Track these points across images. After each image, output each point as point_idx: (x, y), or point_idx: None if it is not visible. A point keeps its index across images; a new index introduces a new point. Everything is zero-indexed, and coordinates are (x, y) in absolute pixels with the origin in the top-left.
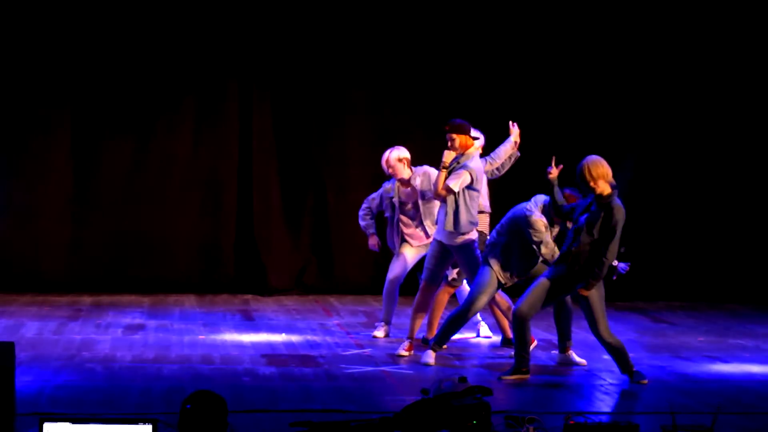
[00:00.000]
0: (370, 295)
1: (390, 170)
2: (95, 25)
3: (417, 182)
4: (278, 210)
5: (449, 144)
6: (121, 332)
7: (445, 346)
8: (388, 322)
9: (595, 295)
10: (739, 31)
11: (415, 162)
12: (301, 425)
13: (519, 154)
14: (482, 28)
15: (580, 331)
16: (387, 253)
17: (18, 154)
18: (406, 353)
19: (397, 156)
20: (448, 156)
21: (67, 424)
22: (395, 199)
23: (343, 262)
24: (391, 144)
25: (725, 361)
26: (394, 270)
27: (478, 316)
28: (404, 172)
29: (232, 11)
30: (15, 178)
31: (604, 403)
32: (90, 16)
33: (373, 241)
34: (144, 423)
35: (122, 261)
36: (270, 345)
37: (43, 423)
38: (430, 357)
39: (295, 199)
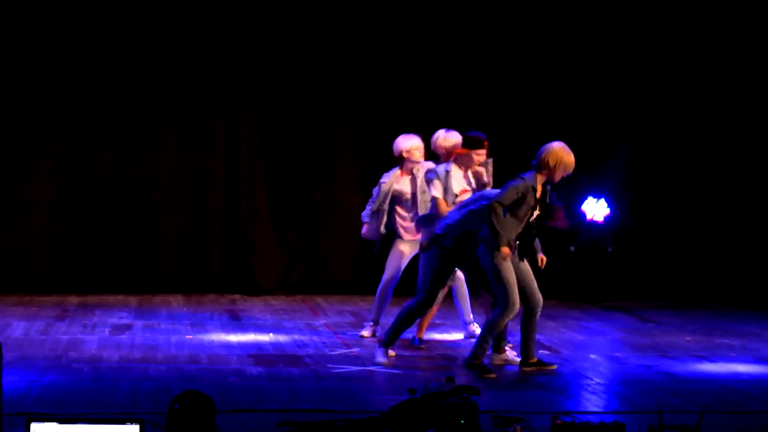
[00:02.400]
0: (356, 295)
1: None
2: (85, 33)
3: (419, 175)
4: (265, 210)
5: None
6: (108, 332)
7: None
8: (376, 322)
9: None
10: (737, 28)
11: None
12: (288, 425)
13: (491, 160)
14: (467, 27)
15: (566, 330)
16: (374, 252)
17: (4, 154)
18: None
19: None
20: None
21: (54, 424)
22: (396, 187)
23: (330, 262)
24: (377, 146)
25: (712, 360)
26: (389, 270)
27: (471, 317)
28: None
29: (222, 12)
30: (1, 178)
31: (591, 403)
32: (80, 25)
33: (365, 230)
34: (131, 423)
35: (109, 261)
36: (257, 345)
37: (30, 423)
38: (383, 356)
39: (282, 199)
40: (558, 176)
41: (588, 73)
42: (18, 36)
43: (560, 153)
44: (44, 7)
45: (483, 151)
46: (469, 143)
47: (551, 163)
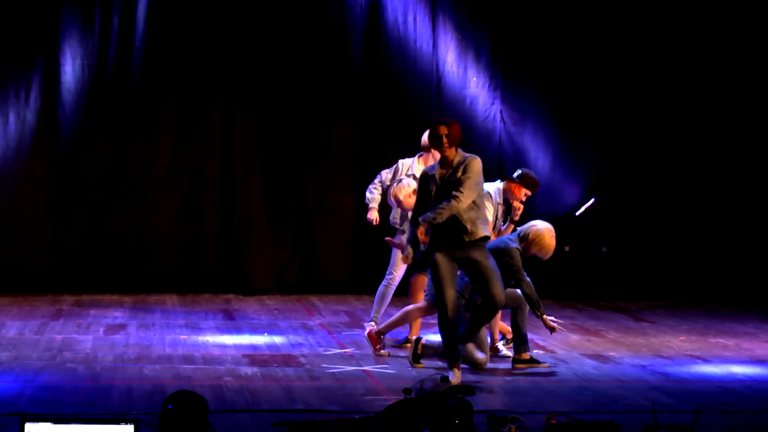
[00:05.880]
0: (351, 295)
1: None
2: (79, 33)
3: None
4: (260, 209)
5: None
6: (103, 332)
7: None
8: (377, 321)
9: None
10: (740, 21)
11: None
12: (282, 425)
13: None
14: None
15: (561, 330)
16: (369, 252)
17: None
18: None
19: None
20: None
21: (49, 424)
22: (411, 172)
23: (325, 262)
24: (372, 146)
25: (706, 360)
26: (400, 269)
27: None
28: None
29: (215, 11)
30: None
31: (586, 403)
32: (75, 25)
33: (371, 216)
34: (125, 423)
35: (104, 260)
36: (252, 345)
37: (24, 423)
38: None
39: (277, 199)
40: (530, 253)
41: (586, 71)
42: (16, 37)
43: (545, 235)
44: (40, 6)
45: None
46: None
47: (531, 237)
